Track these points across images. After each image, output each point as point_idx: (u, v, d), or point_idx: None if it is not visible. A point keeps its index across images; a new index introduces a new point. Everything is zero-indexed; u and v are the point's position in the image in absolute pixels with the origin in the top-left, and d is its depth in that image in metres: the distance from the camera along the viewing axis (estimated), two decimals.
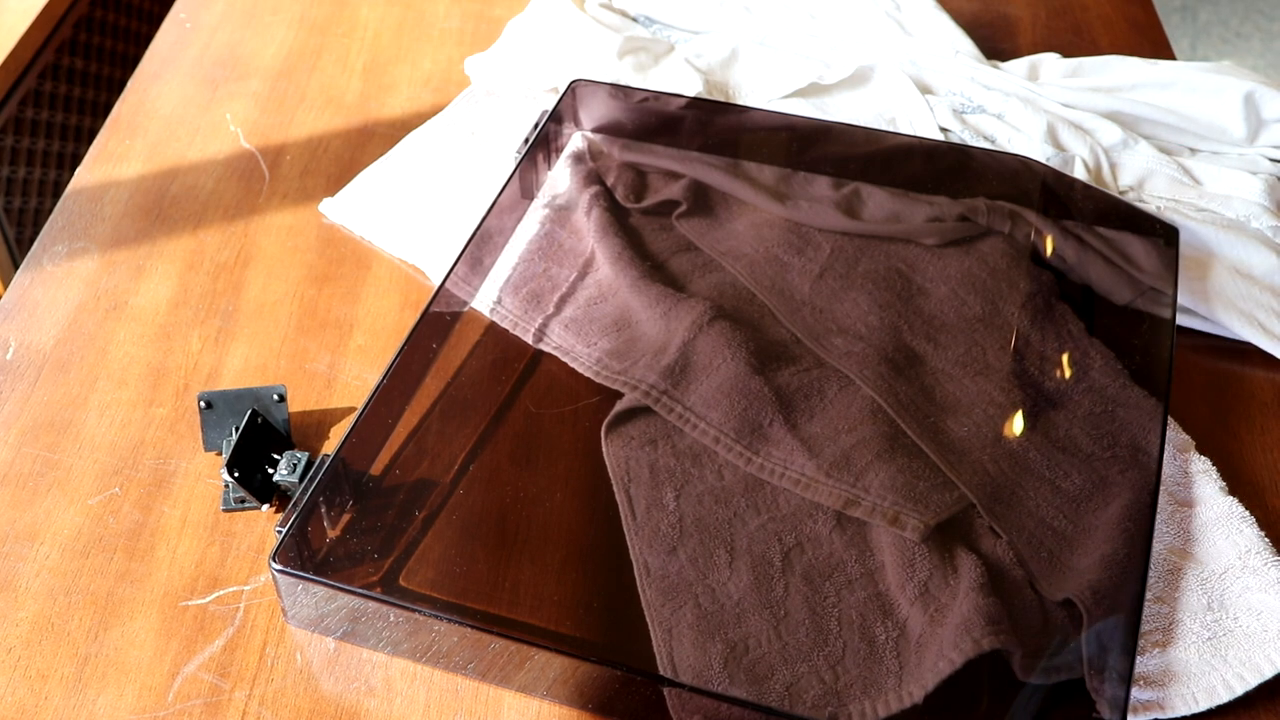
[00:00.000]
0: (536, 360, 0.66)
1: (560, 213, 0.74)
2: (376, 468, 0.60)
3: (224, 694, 0.53)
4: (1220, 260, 0.71)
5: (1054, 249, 0.71)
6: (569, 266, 0.71)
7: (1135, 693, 0.51)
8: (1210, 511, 0.59)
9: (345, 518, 0.58)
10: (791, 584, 0.55)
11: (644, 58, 0.83)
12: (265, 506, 0.60)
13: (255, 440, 0.60)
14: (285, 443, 0.62)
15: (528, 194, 0.75)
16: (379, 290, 0.72)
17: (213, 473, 0.62)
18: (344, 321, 0.70)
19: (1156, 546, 0.57)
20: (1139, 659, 0.52)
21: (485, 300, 0.69)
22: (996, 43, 0.90)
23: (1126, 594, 0.53)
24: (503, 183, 0.71)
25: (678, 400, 0.62)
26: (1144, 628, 0.54)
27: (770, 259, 0.71)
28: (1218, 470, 0.61)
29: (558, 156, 0.78)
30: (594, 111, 0.79)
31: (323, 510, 0.56)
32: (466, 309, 0.69)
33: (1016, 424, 0.61)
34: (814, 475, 0.58)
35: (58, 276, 0.73)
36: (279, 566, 0.53)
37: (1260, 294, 0.69)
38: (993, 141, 0.79)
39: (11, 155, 1.14)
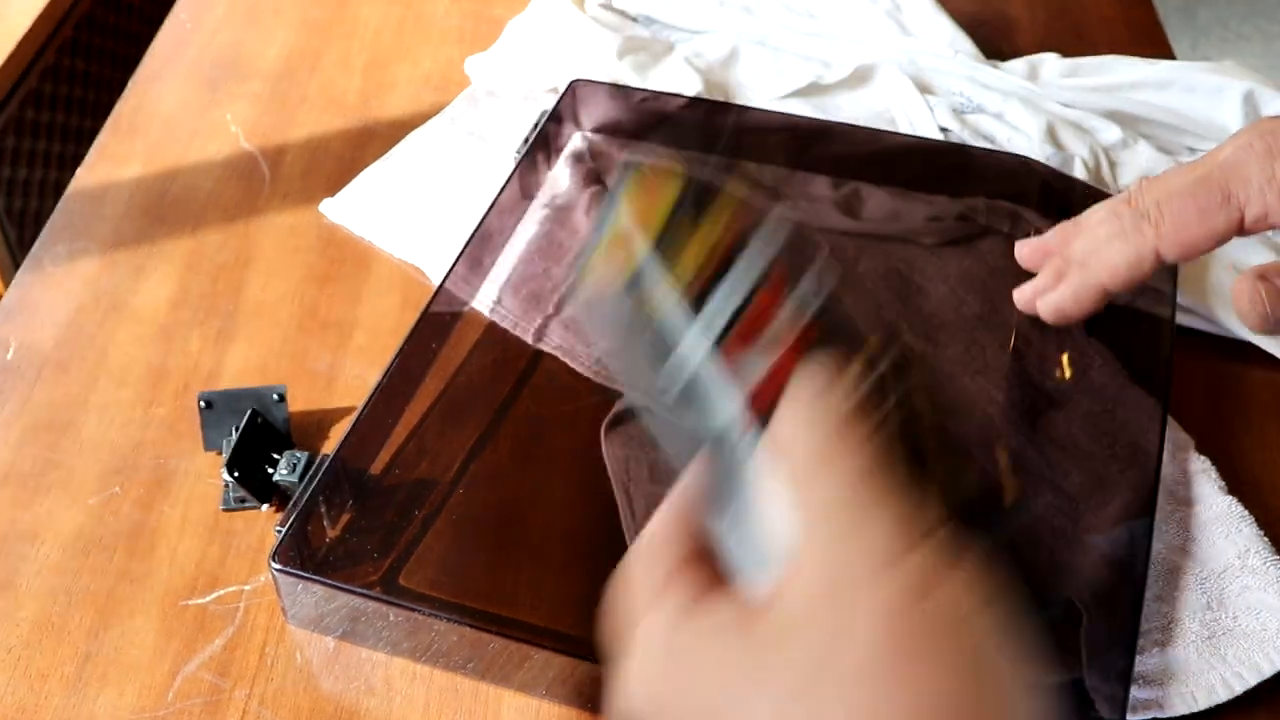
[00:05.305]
0: (536, 360, 0.66)
1: (560, 212, 0.74)
2: (376, 467, 0.60)
3: (224, 693, 0.53)
4: (1219, 260, 0.71)
5: None
6: (569, 266, 0.71)
7: (1134, 691, 0.52)
8: (1209, 510, 0.59)
9: (345, 517, 0.58)
10: None
11: (644, 58, 0.84)
12: (265, 506, 0.60)
13: (255, 440, 0.60)
14: (285, 442, 0.62)
15: (528, 194, 0.75)
16: (379, 290, 0.72)
17: (212, 472, 0.62)
18: (344, 321, 0.70)
19: (1156, 545, 0.57)
20: (1138, 658, 0.52)
21: (485, 300, 0.69)
22: (996, 42, 0.90)
23: (1126, 593, 0.53)
24: (503, 183, 0.71)
25: None
26: (1143, 626, 0.54)
27: None
28: (1217, 469, 0.61)
29: (558, 156, 0.78)
30: (594, 111, 0.79)
31: (323, 510, 0.56)
32: (467, 309, 0.69)
33: (1016, 423, 0.61)
34: None
35: (58, 277, 0.73)
36: (279, 566, 0.53)
37: None
38: (992, 141, 0.79)
39: (13, 156, 1.14)
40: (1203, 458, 0.61)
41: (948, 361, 0.65)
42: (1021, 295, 0.55)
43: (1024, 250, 0.56)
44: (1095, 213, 0.52)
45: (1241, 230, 0.48)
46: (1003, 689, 0.28)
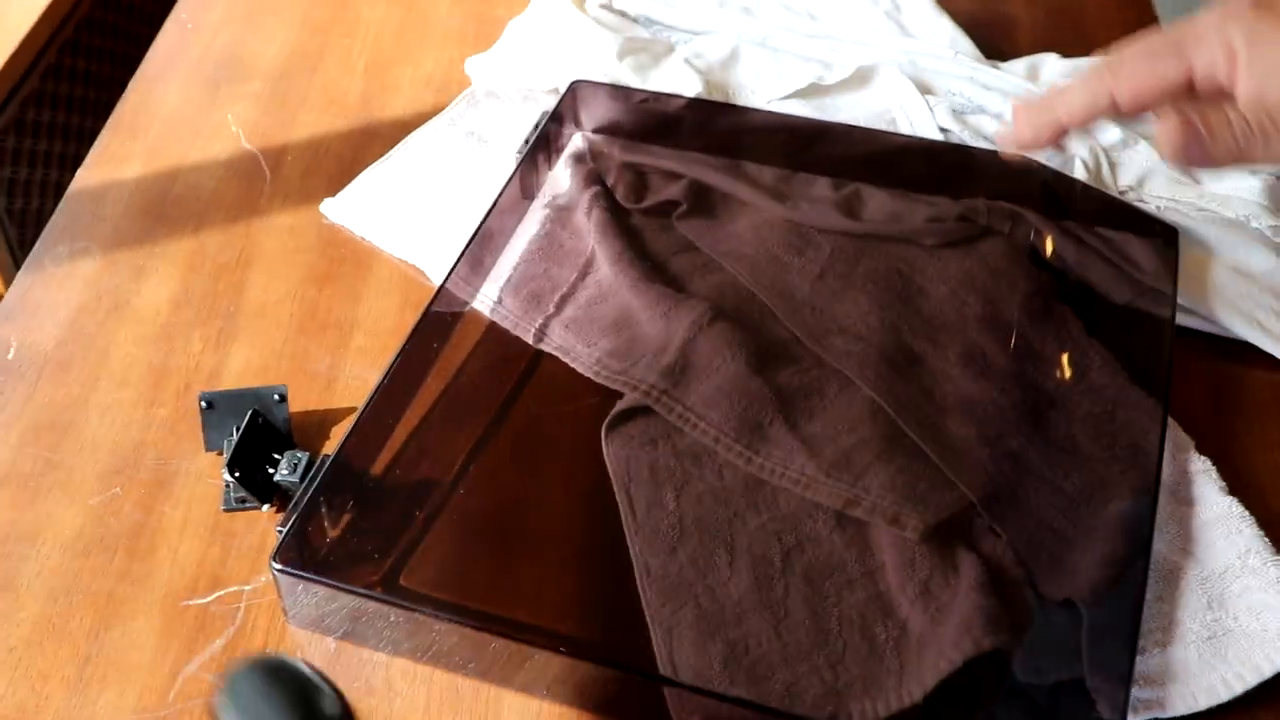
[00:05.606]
0: (537, 360, 0.67)
1: (561, 213, 0.75)
2: (377, 468, 0.60)
3: None
4: (1220, 260, 0.71)
5: (1053, 249, 0.71)
6: (569, 267, 0.71)
7: (1135, 692, 0.52)
8: (1210, 511, 0.59)
9: (346, 517, 0.58)
10: (792, 584, 0.55)
11: (644, 58, 0.84)
12: (266, 506, 0.60)
13: (256, 440, 0.60)
14: (286, 443, 0.62)
15: (528, 194, 0.75)
16: (380, 291, 0.72)
17: (213, 473, 0.62)
18: (345, 322, 0.70)
19: (1156, 546, 0.57)
20: (1139, 658, 0.52)
21: (486, 300, 0.69)
22: (996, 42, 0.90)
23: (1126, 594, 0.53)
24: (503, 183, 0.71)
25: (678, 400, 0.62)
26: (1144, 627, 0.54)
27: (770, 259, 0.71)
28: (1217, 470, 0.61)
29: (558, 157, 0.78)
30: (594, 112, 0.79)
31: (323, 510, 0.57)
32: (467, 309, 0.69)
33: (1016, 424, 0.61)
34: (814, 475, 0.59)
35: (59, 277, 0.73)
36: (280, 566, 0.53)
37: (1260, 294, 0.69)
38: (992, 142, 0.79)
39: (14, 156, 1.14)
40: (1203, 458, 0.61)
41: (949, 362, 0.65)
42: (999, 136, 0.59)
43: (1019, 106, 0.61)
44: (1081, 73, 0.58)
45: (1192, 88, 0.52)
46: None
